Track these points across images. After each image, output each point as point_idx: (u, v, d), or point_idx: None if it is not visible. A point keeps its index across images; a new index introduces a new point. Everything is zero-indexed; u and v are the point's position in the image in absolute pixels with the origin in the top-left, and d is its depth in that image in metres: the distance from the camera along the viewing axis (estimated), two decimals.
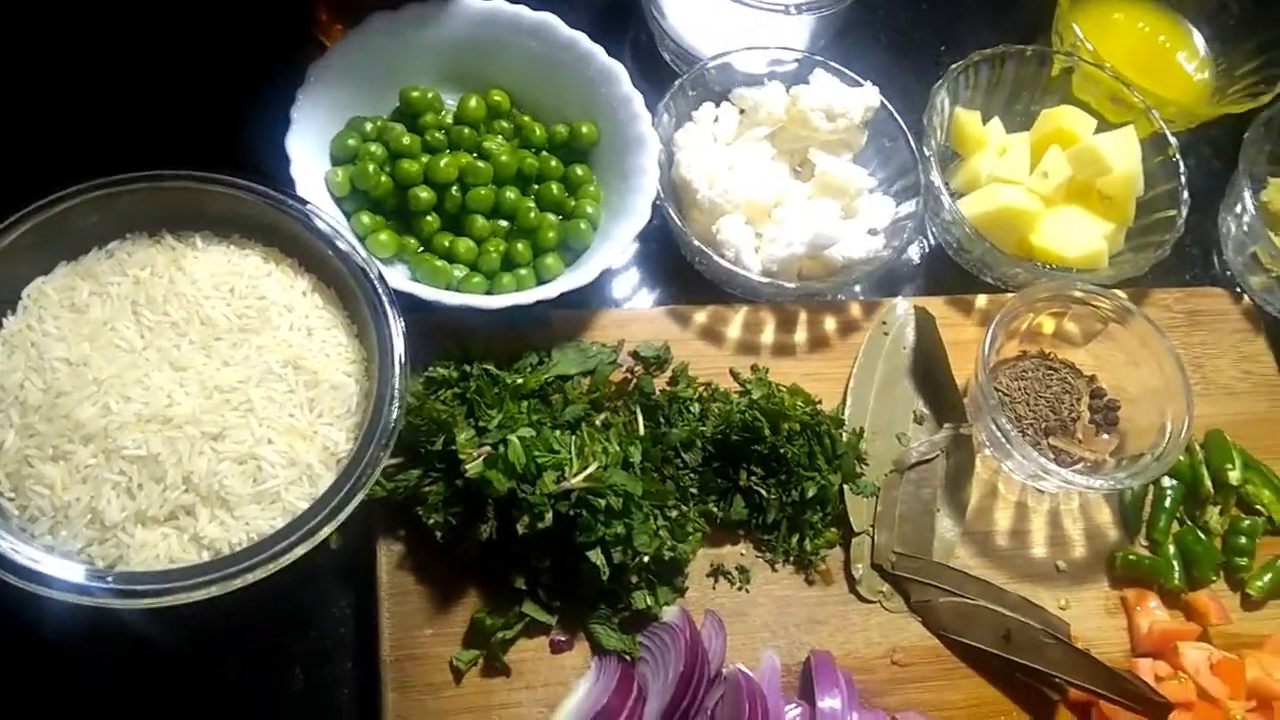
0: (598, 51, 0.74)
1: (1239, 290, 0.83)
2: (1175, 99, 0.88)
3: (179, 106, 0.74)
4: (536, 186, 0.74)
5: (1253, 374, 0.79)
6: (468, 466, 0.61)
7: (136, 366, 0.60)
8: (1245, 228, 0.81)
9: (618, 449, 0.64)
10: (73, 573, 0.54)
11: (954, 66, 0.79)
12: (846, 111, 0.74)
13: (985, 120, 0.83)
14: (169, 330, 0.62)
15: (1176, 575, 0.70)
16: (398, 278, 0.67)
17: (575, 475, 0.61)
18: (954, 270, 0.80)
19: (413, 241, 0.72)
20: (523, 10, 0.74)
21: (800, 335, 0.74)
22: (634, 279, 0.78)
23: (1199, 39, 0.93)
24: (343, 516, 0.58)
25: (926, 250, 0.83)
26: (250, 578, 0.56)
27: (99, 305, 0.62)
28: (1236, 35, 0.91)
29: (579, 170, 0.74)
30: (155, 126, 0.73)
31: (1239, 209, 0.81)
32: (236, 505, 0.59)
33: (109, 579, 0.54)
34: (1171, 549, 0.71)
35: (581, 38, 0.74)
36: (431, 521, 0.62)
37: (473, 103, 0.75)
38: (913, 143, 0.75)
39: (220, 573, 0.56)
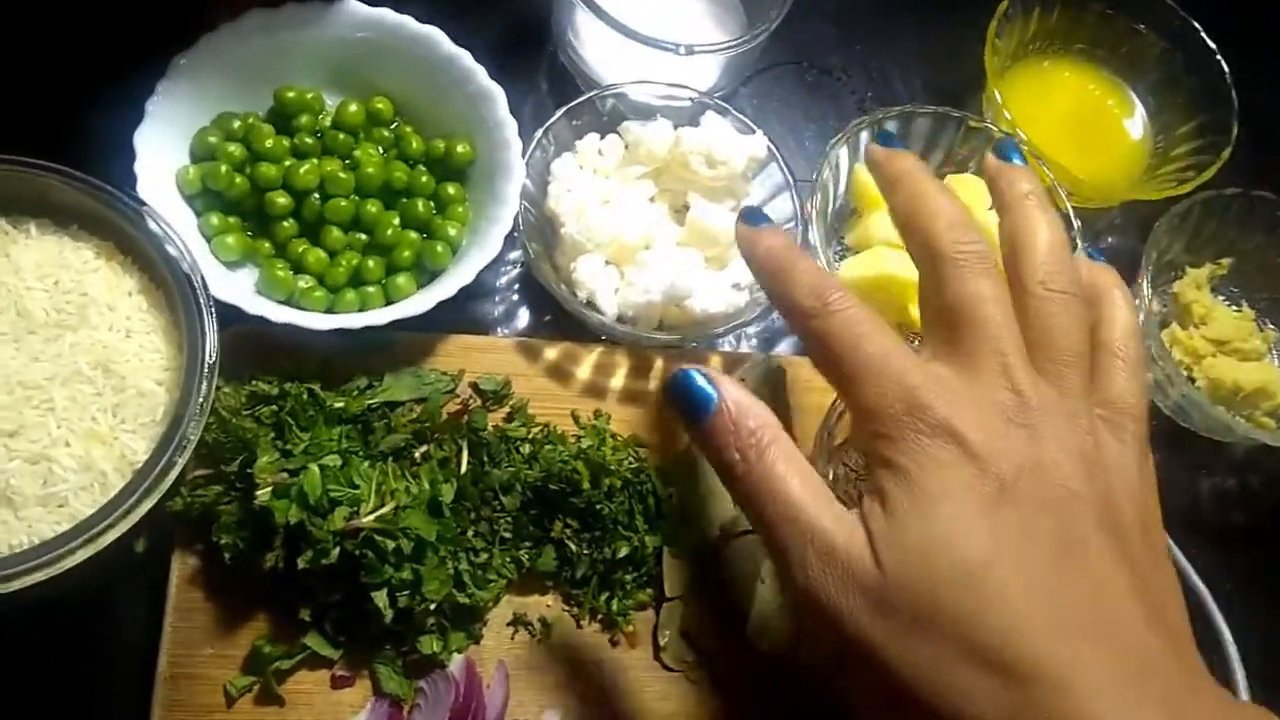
0: (478, 71, 0.72)
1: None
2: (1100, 175, 0.84)
3: (31, 80, 0.73)
4: (404, 201, 0.72)
5: None
6: (259, 492, 0.60)
7: None
8: (1141, 322, 0.77)
9: (426, 488, 0.63)
10: None
11: (855, 122, 0.76)
12: (728, 160, 0.72)
13: None
14: None
15: None
16: (229, 286, 0.65)
17: (367, 514, 0.60)
18: None
19: (266, 245, 0.70)
20: (407, 20, 0.72)
21: (653, 383, 0.72)
22: (494, 304, 0.76)
23: (1141, 112, 0.89)
24: (127, 524, 0.57)
25: None
26: (27, 580, 0.56)
27: None
28: (1178, 113, 0.87)
29: (450, 189, 0.72)
30: (6, 99, 0.72)
31: (1138, 302, 0.78)
32: (21, 506, 0.58)
33: None
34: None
35: (464, 55, 0.72)
36: (222, 542, 0.61)
37: (352, 108, 0.73)
38: (796, 198, 0.73)
39: None
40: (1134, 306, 0.55)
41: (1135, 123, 0.89)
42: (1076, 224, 0.75)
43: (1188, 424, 0.79)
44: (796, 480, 0.46)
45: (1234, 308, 0.85)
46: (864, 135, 0.77)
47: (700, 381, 0.48)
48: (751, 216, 0.55)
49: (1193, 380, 0.80)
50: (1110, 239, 0.88)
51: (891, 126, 0.78)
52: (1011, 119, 0.79)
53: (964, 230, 0.50)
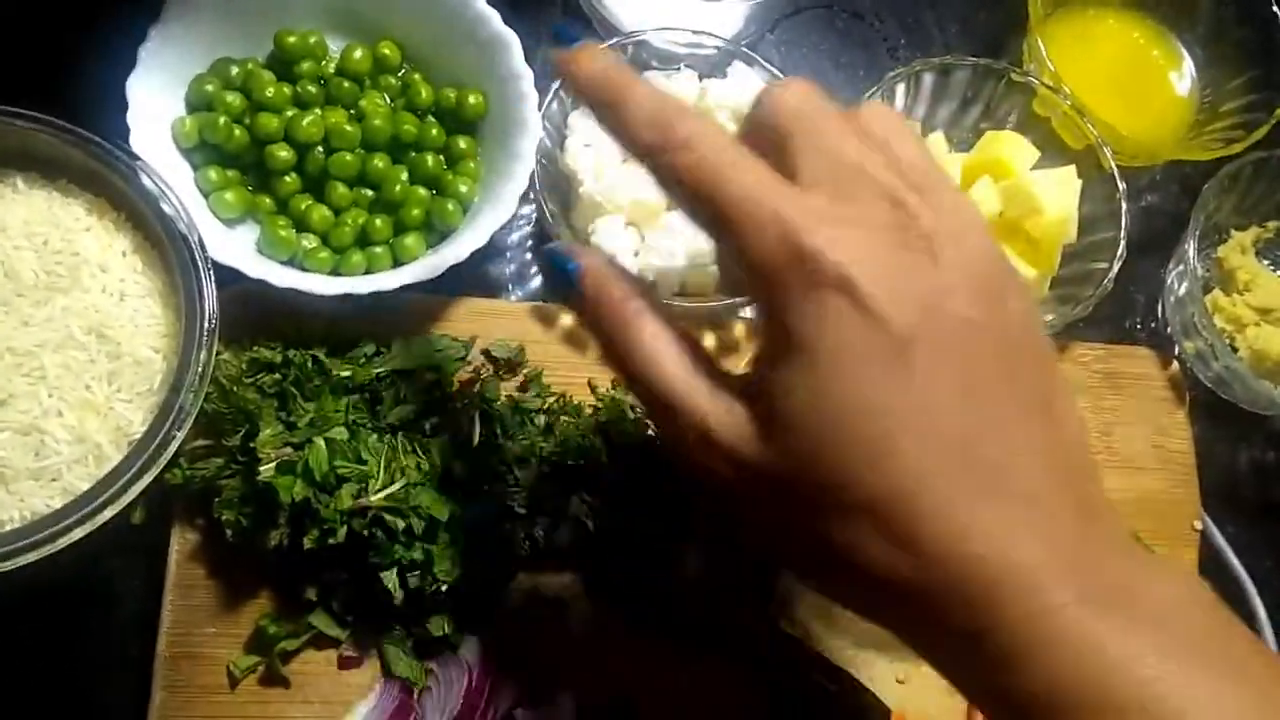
0: (492, 16, 0.67)
1: (1175, 354, 0.77)
2: (1145, 131, 0.80)
3: (19, 28, 0.69)
4: (413, 155, 0.68)
5: (1164, 449, 0.73)
6: (262, 468, 0.57)
7: None
8: (1185, 288, 0.74)
9: (437, 462, 0.60)
10: None
11: (891, 74, 0.72)
12: None
13: (926, 133, 0.76)
14: None
15: None
16: (229, 245, 0.62)
17: (376, 492, 0.57)
18: None
19: (267, 202, 0.67)
20: None
21: None
22: (507, 263, 0.72)
23: (1189, 65, 0.85)
24: (124, 501, 0.55)
25: None
26: (20, 561, 0.53)
27: None
28: (1228, 66, 0.82)
29: (462, 143, 0.68)
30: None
31: (1182, 267, 0.74)
32: (13, 480, 0.56)
33: None
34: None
35: None
36: (224, 518, 0.58)
37: (357, 54, 0.69)
38: None
39: None
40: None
41: (1182, 76, 0.85)
42: (1121, 185, 0.71)
43: (1228, 396, 0.76)
44: (664, 354, 0.41)
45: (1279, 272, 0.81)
46: (900, 88, 0.73)
47: (559, 253, 0.44)
48: (564, 32, 0.47)
49: (1234, 350, 0.76)
50: (1149, 198, 0.85)
51: (928, 79, 0.74)
52: (1055, 70, 0.74)
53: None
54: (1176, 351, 0.77)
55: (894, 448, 0.37)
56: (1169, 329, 0.78)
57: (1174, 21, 0.85)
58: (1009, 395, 0.39)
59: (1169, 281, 0.78)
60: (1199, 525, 0.71)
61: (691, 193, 0.40)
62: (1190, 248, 0.73)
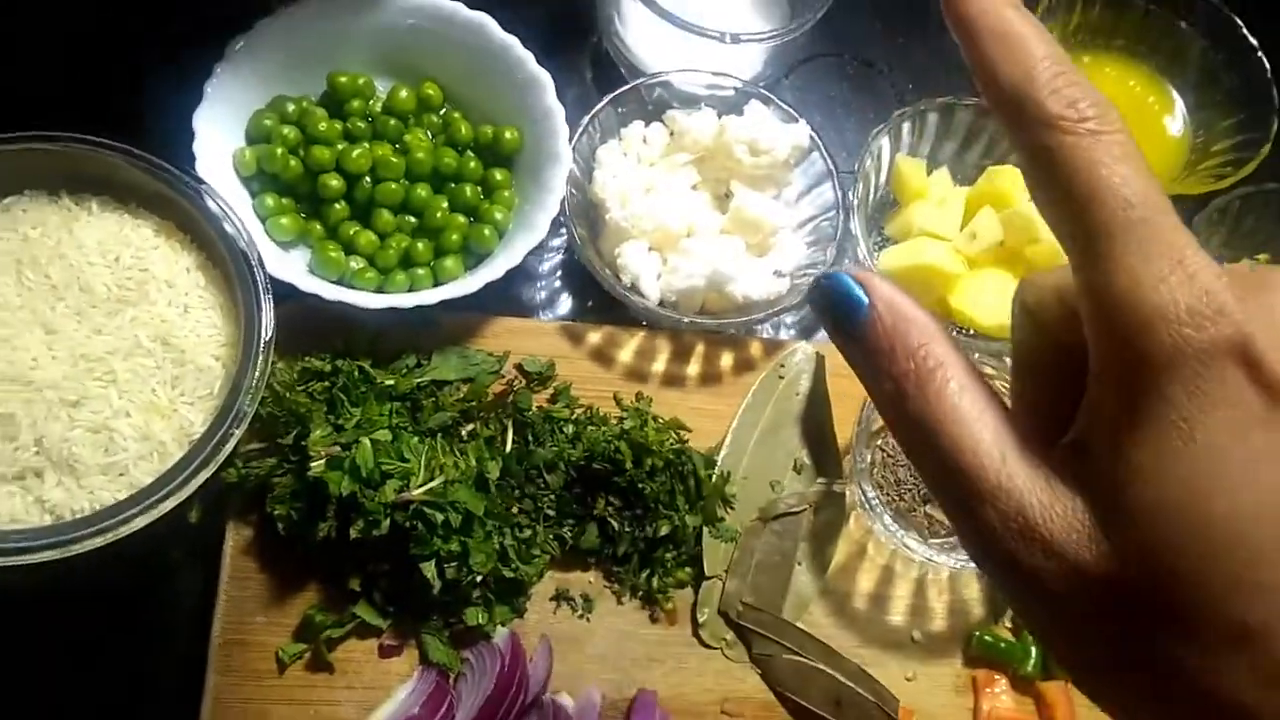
0: (528, 58, 0.73)
1: None
2: None
3: (99, 63, 0.75)
4: (452, 185, 0.74)
5: None
6: (312, 464, 0.61)
7: (8, 325, 0.62)
8: None
9: (473, 463, 0.64)
10: None
11: (898, 113, 0.77)
12: (772, 148, 0.73)
13: (932, 169, 0.81)
14: (47, 292, 0.63)
15: (1031, 663, 0.68)
16: (284, 265, 0.67)
17: (417, 487, 0.61)
18: None
19: (318, 227, 0.72)
20: (458, 7, 0.74)
21: (693, 368, 0.74)
22: (538, 289, 0.78)
23: (1181, 108, 0.90)
24: (185, 494, 0.59)
25: None
26: (87, 545, 0.58)
27: None
28: (1218, 109, 0.87)
29: (498, 174, 0.74)
30: (72, 80, 0.75)
31: None
32: (84, 474, 0.60)
33: None
34: (1031, 636, 0.69)
35: (514, 43, 0.73)
36: (276, 513, 0.63)
37: (403, 94, 0.74)
38: (837, 188, 0.74)
39: (58, 538, 0.57)
40: None
41: (1175, 119, 0.90)
42: None
43: None
44: (974, 420, 0.31)
45: None
46: (905, 126, 0.78)
47: (848, 284, 0.33)
48: None
49: None
50: None
51: (932, 118, 0.79)
52: None
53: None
54: None
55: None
56: None
57: (1167, 69, 0.90)
58: None
59: None
60: None
61: (1081, 188, 0.30)
62: None
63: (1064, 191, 0.30)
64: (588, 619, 0.66)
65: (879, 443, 0.71)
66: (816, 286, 0.34)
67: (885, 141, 0.77)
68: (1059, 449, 0.31)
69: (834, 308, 0.34)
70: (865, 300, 0.33)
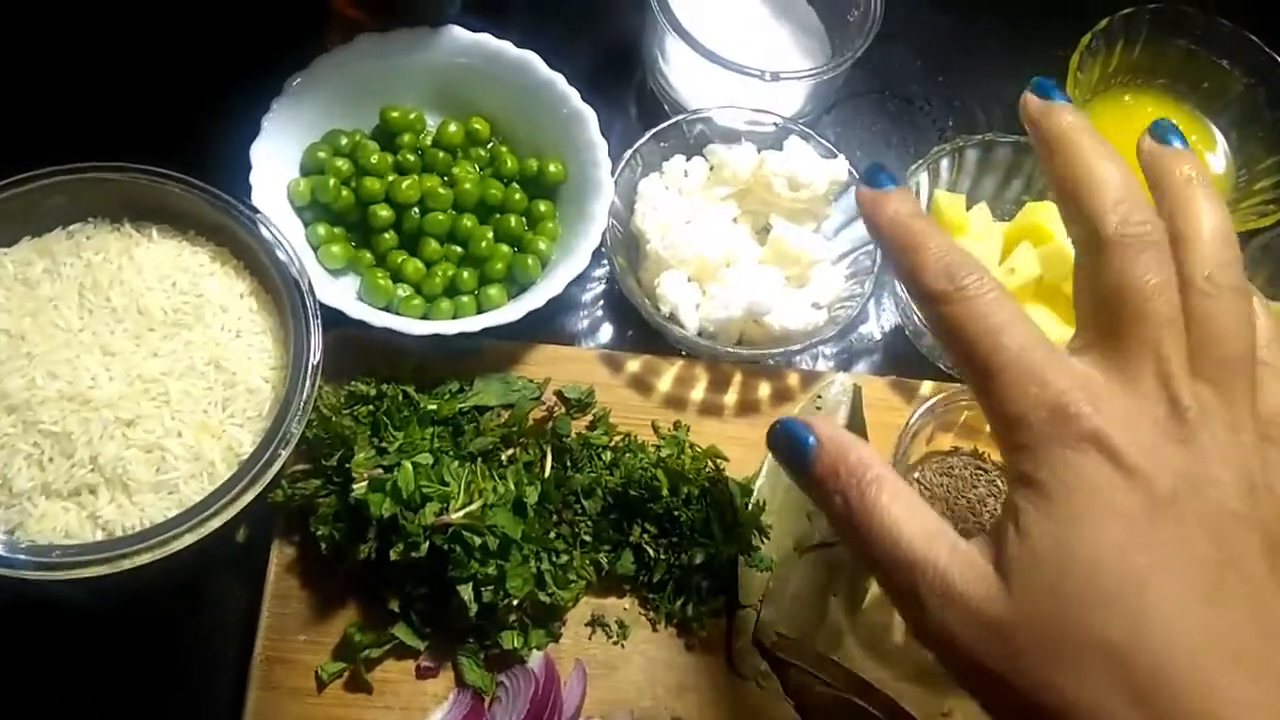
0: (572, 94, 0.75)
1: None
2: None
3: (163, 98, 0.79)
4: (498, 216, 0.75)
5: None
6: (355, 486, 0.63)
7: (69, 346, 0.64)
8: None
9: (512, 488, 0.65)
10: None
11: (936, 149, 0.78)
12: (811, 183, 0.74)
13: (971, 205, 0.82)
14: (107, 316, 0.65)
15: None
16: (334, 291, 0.69)
17: (456, 510, 0.62)
18: (914, 353, 0.79)
19: (367, 255, 0.74)
20: (506, 45, 0.76)
21: (731, 397, 0.74)
22: (580, 318, 0.79)
23: (1224, 146, 0.90)
24: (232, 512, 0.61)
25: (887, 328, 0.82)
26: (137, 560, 0.59)
27: (49, 283, 0.66)
28: (1260, 147, 0.87)
29: (542, 206, 0.76)
30: (136, 112, 0.78)
31: None
32: (136, 491, 0.62)
33: (20, 548, 0.58)
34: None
35: (558, 79, 0.75)
36: (319, 533, 0.64)
37: (452, 128, 0.77)
38: None
39: (108, 553, 0.59)
40: (1270, 312, 0.48)
41: (1217, 157, 0.90)
42: None
43: None
44: (903, 516, 0.42)
45: None
46: (944, 162, 0.79)
47: (797, 428, 0.46)
48: (875, 176, 0.49)
49: None
50: None
51: (972, 154, 0.80)
52: None
53: (1133, 207, 0.44)
54: None
55: (1143, 603, 0.37)
56: None
57: (1208, 106, 0.90)
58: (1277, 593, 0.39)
59: None
60: None
61: (965, 342, 0.43)
62: None
63: (952, 344, 0.43)
64: (622, 645, 0.67)
65: (915, 475, 0.72)
66: (773, 432, 0.48)
67: (924, 177, 0.78)
68: (977, 539, 0.42)
69: (790, 447, 0.46)
70: (812, 439, 0.45)
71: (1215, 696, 0.36)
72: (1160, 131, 0.50)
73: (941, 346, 0.44)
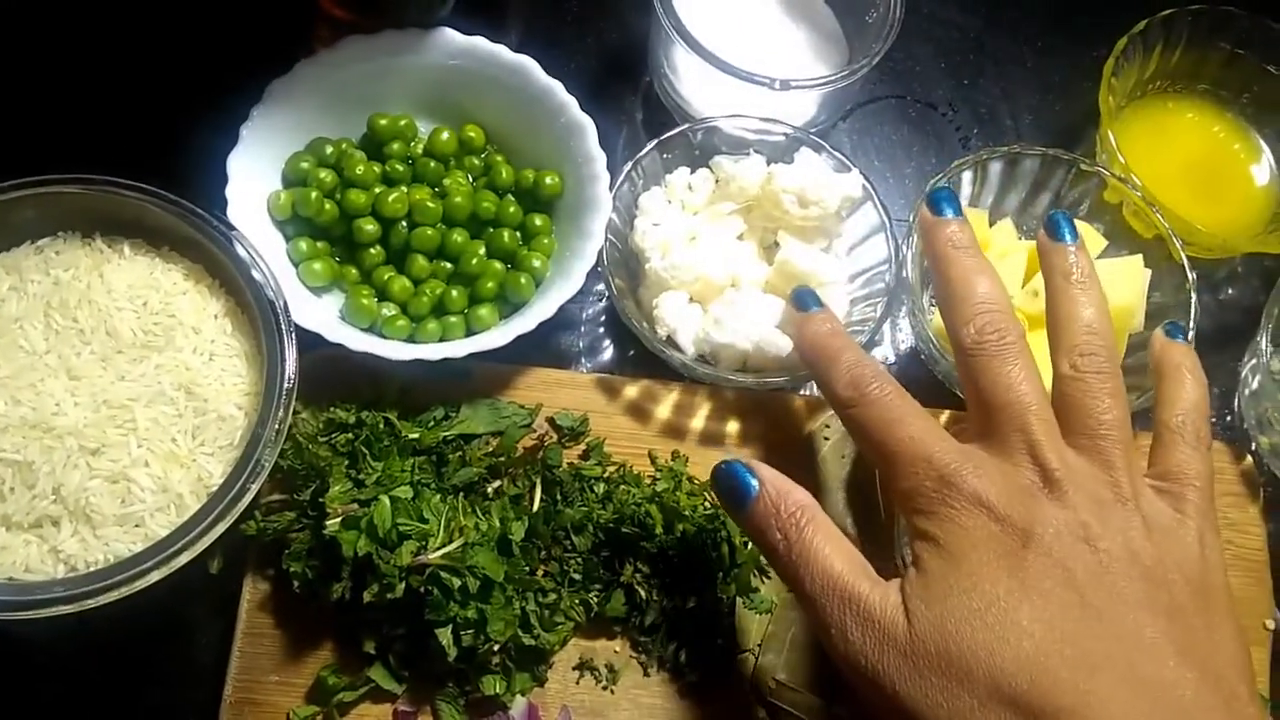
0: (571, 103, 0.71)
1: (1249, 449, 0.75)
2: (1224, 223, 0.80)
3: (136, 106, 0.75)
4: (490, 230, 0.72)
5: (1236, 545, 0.71)
6: (328, 522, 0.59)
7: (34, 370, 0.61)
8: (1259, 383, 0.72)
9: (496, 524, 0.62)
10: None
11: (958, 162, 0.73)
12: (821, 199, 0.69)
13: (994, 220, 0.77)
14: (74, 337, 0.62)
15: None
16: (315, 311, 0.66)
17: (435, 550, 0.59)
18: (930, 378, 0.75)
19: (352, 272, 0.70)
20: (501, 50, 0.72)
21: (733, 425, 0.70)
22: (578, 337, 0.75)
23: (1269, 157, 0.84)
24: (200, 548, 0.58)
25: (903, 349, 0.78)
26: (101, 600, 0.56)
27: (14, 301, 0.63)
28: None
29: (537, 220, 0.72)
30: (109, 121, 0.74)
31: (1256, 361, 0.73)
32: (100, 525, 0.59)
33: None
34: None
35: (557, 86, 0.71)
36: (291, 570, 0.61)
37: (444, 135, 0.73)
38: (891, 239, 0.70)
39: (72, 591, 0.56)
40: (1203, 384, 0.57)
41: (1262, 168, 0.84)
42: (1192, 276, 0.71)
43: None
44: (834, 555, 0.50)
45: None
46: (966, 175, 0.74)
47: (742, 470, 0.53)
48: (802, 299, 0.61)
49: None
50: (1230, 290, 0.83)
51: (995, 167, 0.75)
52: (1125, 163, 0.75)
53: (992, 318, 0.53)
54: (1251, 446, 0.75)
55: (1014, 619, 0.45)
56: (1244, 424, 0.77)
57: (1254, 116, 0.85)
58: (1149, 619, 0.46)
59: (1243, 375, 0.77)
60: (1271, 624, 0.69)
61: (868, 435, 0.53)
62: (1264, 341, 0.72)
63: (861, 439, 0.54)
64: (612, 690, 0.63)
65: None
66: (718, 471, 0.54)
67: None
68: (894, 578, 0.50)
69: (733, 488, 0.53)
70: (755, 481, 0.52)
71: (1078, 693, 0.43)
72: (1053, 225, 0.58)
73: (854, 441, 0.55)
